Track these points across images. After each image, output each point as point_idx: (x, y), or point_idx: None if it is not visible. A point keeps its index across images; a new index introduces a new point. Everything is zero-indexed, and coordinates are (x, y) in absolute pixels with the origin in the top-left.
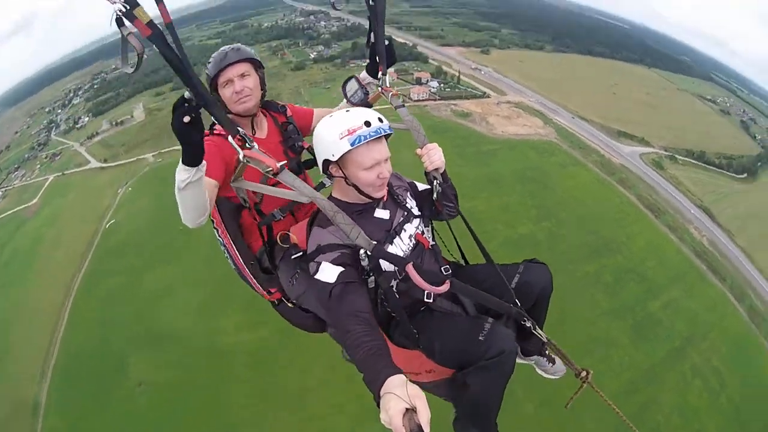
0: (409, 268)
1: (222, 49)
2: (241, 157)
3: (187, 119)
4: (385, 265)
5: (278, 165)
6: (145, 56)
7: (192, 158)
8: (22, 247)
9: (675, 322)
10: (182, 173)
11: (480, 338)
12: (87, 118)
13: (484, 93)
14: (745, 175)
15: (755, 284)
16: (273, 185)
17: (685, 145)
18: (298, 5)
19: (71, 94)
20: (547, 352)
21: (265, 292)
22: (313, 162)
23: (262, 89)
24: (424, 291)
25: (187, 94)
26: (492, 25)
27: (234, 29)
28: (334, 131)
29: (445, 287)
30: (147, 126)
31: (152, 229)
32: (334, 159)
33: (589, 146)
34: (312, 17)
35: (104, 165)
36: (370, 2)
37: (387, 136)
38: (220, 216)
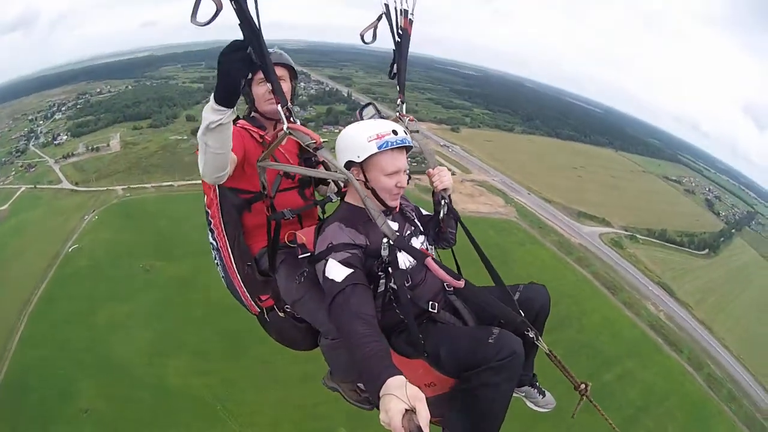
0: (429, 261)
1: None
2: (285, 127)
3: (241, 56)
4: (401, 263)
5: (321, 140)
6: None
7: (229, 97)
8: None
9: (629, 392)
10: (214, 114)
11: (490, 341)
12: (65, 137)
13: (449, 170)
14: (707, 251)
15: (714, 353)
16: (288, 187)
17: (647, 224)
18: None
19: (55, 108)
20: (537, 383)
21: (252, 302)
22: (320, 182)
23: (292, 98)
24: (427, 301)
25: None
26: (465, 104)
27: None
28: (363, 134)
29: (461, 283)
30: (120, 158)
31: (113, 262)
32: (359, 160)
33: (548, 226)
34: None
35: (75, 188)
36: (396, 39)
37: (408, 150)
38: (220, 215)
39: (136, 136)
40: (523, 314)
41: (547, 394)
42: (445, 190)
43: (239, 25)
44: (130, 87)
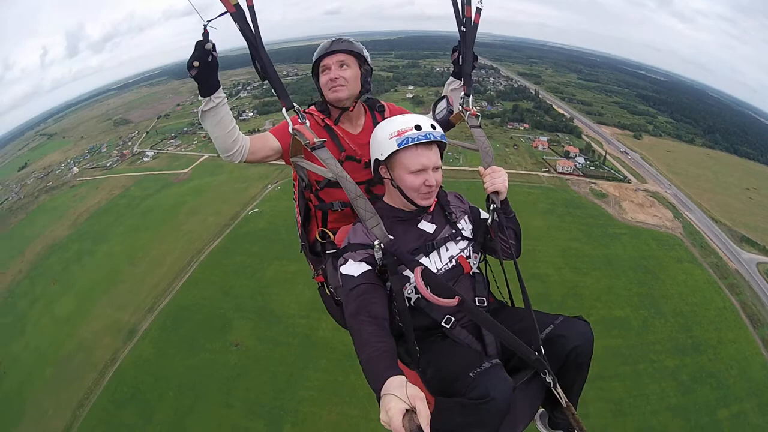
0: (416, 271)
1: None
2: (290, 129)
3: (196, 54)
4: (407, 271)
5: (316, 140)
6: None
7: (206, 90)
8: (163, 204)
9: None
10: (201, 106)
11: (471, 374)
12: (251, 114)
13: (625, 177)
14: None
15: None
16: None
17: None
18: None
19: (239, 87)
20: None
21: (314, 271)
22: None
23: (363, 86)
24: (444, 315)
25: (209, 42)
26: (650, 110)
27: (406, 66)
28: (386, 131)
29: (451, 302)
30: None
31: (290, 227)
32: (382, 158)
33: (710, 246)
34: (483, 71)
35: None
36: (462, 29)
37: (441, 147)
38: (297, 192)
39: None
40: (544, 351)
41: None
42: (496, 193)
43: (246, 42)
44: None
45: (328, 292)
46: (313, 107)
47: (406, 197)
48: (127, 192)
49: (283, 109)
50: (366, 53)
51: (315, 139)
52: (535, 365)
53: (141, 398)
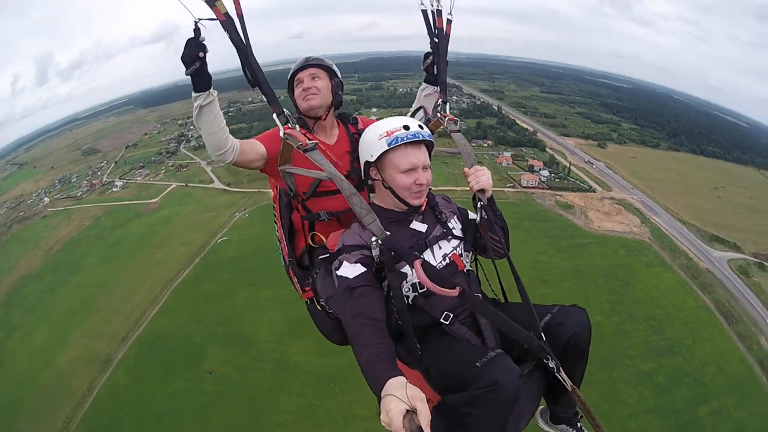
0: (417, 264)
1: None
2: (281, 133)
3: (201, 55)
4: (405, 268)
5: (309, 142)
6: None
7: (201, 85)
8: (134, 234)
9: (719, 430)
10: (195, 100)
11: (477, 364)
12: None
13: (590, 187)
14: None
15: None
16: (332, 191)
17: None
18: None
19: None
20: (579, 424)
21: (301, 290)
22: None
23: (334, 97)
24: (442, 312)
25: (198, 30)
26: (613, 118)
27: (370, 89)
28: (374, 133)
29: (452, 292)
30: None
31: (259, 253)
32: (372, 159)
33: (679, 248)
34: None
35: (227, 188)
36: (435, 39)
37: (429, 147)
38: (280, 212)
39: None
40: (544, 339)
41: None
42: (481, 191)
43: (235, 47)
44: (282, 96)
45: (318, 307)
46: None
47: (398, 197)
48: (98, 222)
49: (274, 114)
50: (335, 68)
51: (308, 141)
52: (537, 352)
53: (119, 427)
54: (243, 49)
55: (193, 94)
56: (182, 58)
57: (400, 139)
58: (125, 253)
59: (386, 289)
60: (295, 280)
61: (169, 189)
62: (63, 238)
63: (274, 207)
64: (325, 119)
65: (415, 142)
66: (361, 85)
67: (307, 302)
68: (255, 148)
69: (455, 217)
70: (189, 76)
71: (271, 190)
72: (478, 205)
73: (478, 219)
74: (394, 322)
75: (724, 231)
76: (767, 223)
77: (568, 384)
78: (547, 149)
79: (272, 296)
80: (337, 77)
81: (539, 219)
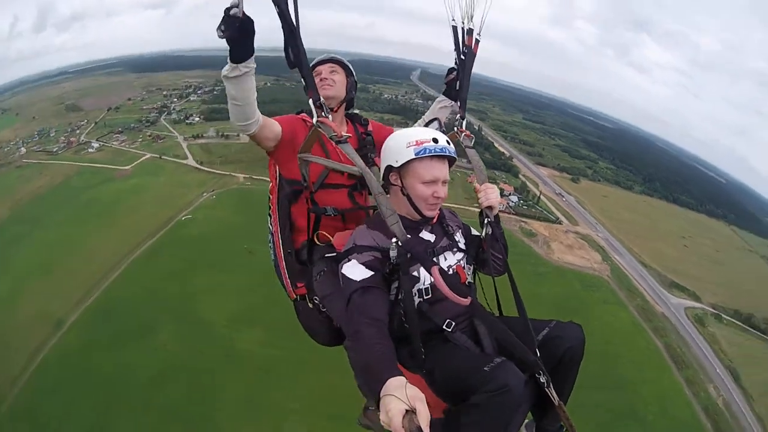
0: (434, 270)
1: None
2: (314, 120)
3: (225, 21)
4: (423, 276)
5: (344, 134)
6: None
7: (237, 55)
8: (103, 199)
9: None
10: (226, 69)
11: (485, 368)
12: (198, 119)
13: (557, 219)
14: None
15: None
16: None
17: (736, 305)
18: (423, 87)
19: (191, 90)
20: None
21: (291, 288)
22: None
23: (347, 93)
24: (445, 320)
25: (233, 8)
26: (591, 155)
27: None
28: (403, 140)
29: (465, 301)
30: (248, 149)
31: (221, 237)
32: (396, 165)
33: (637, 290)
34: (430, 102)
35: (199, 167)
36: (461, 57)
37: (451, 162)
38: (277, 203)
39: None
40: (539, 353)
41: None
42: (490, 208)
43: (281, 26)
44: (269, 84)
45: (310, 305)
46: (303, 114)
47: (414, 206)
48: (70, 181)
49: (310, 101)
50: (352, 68)
51: (342, 133)
52: (531, 366)
53: (64, 391)
54: (292, 26)
55: (228, 64)
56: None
57: (428, 150)
58: (92, 216)
59: (394, 292)
60: (286, 275)
61: (143, 158)
62: (33, 191)
63: (270, 198)
64: (335, 112)
65: (440, 156)
66: None
67: (296, 299)
68: (273, 126)
69: (460, 231)
70: (228, 43)
71: (270, 180)
72: (486, 221)
73: (483, 234)
74: (397, 324)
75: (686, 279)
76: (729, 277)
77: (555, 399)
78: (520, 175)
79: (228, 281)
80: (353, 77)
81: None
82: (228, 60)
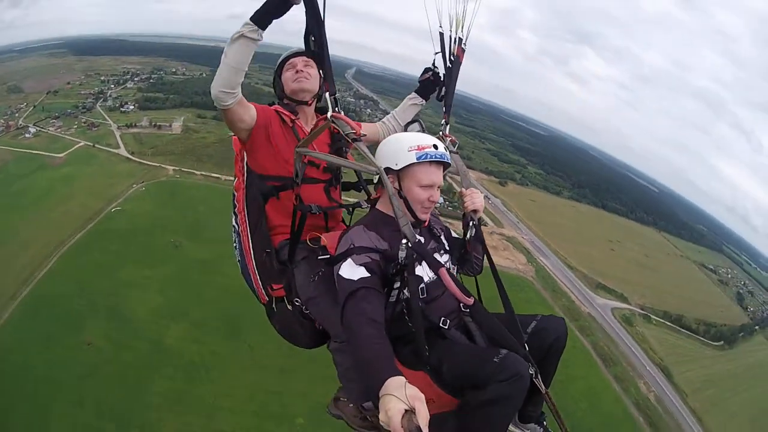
0: (442, 271)
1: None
2: (329, 115)
3: None
4: (417, 269)
5: (361, 131)
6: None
7: (261, 17)
8: (36, 188)
9: None
10: (242, 27)
11: (495, 360)
12: (132, 107)
13: (483, 221)
14: (722, 342)
15: None
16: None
17: (666, 307)
18: (356, 86)
19: (128, 77)
20: (545, 423)
21: (262, 290)
22: (349, 185)
23: (320, 87)
24: (440, 318)
25: None
26: (521, 160)
27: None
28: (404, 143)
29: (469, 300)
30: (179, 141)
31: (149, 230)
32: (396, 168)
33: (561, 290)
34: (362, 101)
35: (131, 157)
36: (448, 64)
37: (445, 168)
38: (245, 199)
39: (199, 124)
40: (527, 347)
41: None
42: (475, 211)
43: (305, 13)
44: (204, 75)
45: (290, 307)
46: (277, 106)
47: (410, 209)
48: (6, 167)
49: (326, 94)
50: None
51: (360, 130)
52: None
53: (1, 391)
54: (317, 16)
55: (246, 21)
56: None
57: (429, 155)
58: (24, 205)
59: (396, 292)
60: (256, 277)
61: (77, 146)
62: None
63: (234, 195)
64: (309, 105)
65: (439, 162)
66: None
67: (268, 303)
68: (249, 108)
69: (443, 233)
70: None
71: (235, 176)
72: (471, 224)
73: (468, 237)
74: (397, 324)
75: (612, 281)
76: (658, 280)
77: (543, 388)
78: (447, 177)
79: (155, 275)
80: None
81: None
82: (249, 22)
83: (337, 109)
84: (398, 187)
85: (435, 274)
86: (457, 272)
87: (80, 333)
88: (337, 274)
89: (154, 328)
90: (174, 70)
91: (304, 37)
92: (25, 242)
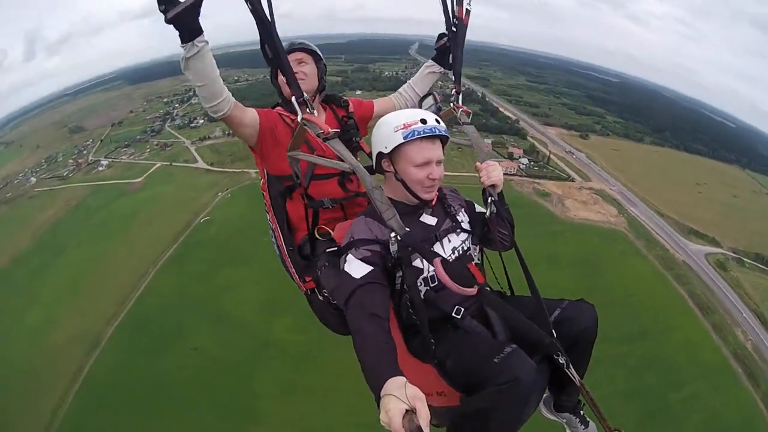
0: (436, 262)
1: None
2: (299, 118)
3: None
4: (417, 263)
5: (331, 131)
6: None
7: (187, 35)
8: (118, 214)
9: (692, 417)
10: (183, 52)
11: (495, 360)
12: (202, 121)
13: (569, 176)
14: None
15: None
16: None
17: (758, 249)
18: (421, 60)
19: (191, 93)
20: (582, 412)
21: (300, 281)
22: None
23: (320, 81)
24: (453, 306)
25: None
26: (598, 110)
27: (355, 71)
28: (390, 124)
29: (471, 291)
30: None
31: (240, 233)
32: (386, 151)
33: (655, 240)
34: None
35: (210, 168)
36: (453, 29)
37: (444, 141)
38: (270, 200)
39: None
40: (555, 334)
41: (591, 424)
42: (493, 186)
43: (254, 20)
44: (266, 77)
45: (321, 298)
46: (279, 108)
47: (410, 190)
48: (84, 202)
49: (293, 98)
50: (320, 52)
51: (329, 129)
52: (548, 348)
53: (109, 405)
54: (267, 23)
55: (180, 45)
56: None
57: (416, 132)
58: (111, 233)
59: (399, 284)
60: (293, 271)
61: (153, 168)
62: (50, 218)
63: (264, 195)
64: (313, 100)
65: (430, 137)
66: (347, 67)
67: (307, 293)
68: (249, 111)
69: (463, 210)
70: (174, 24)
71: (259, 177)
72: (489, 200)
73: (488, 214)
74: (406, 314)
75: (703, 226)
76: (748, 220)
77: (577, 380)
78: (529, 137)
79: (251, 275)
80: (322, 61)
81: (516, 205)
82: (182, 45)
83: (308, 110)
84: (393, 170)
85: (430, 265)
86: (480, 251)
87: (185, 341)
88: (342, 269)
89: (258, 325)
90: (236, 78)
91: (261, 46)
92: (117, 267)
